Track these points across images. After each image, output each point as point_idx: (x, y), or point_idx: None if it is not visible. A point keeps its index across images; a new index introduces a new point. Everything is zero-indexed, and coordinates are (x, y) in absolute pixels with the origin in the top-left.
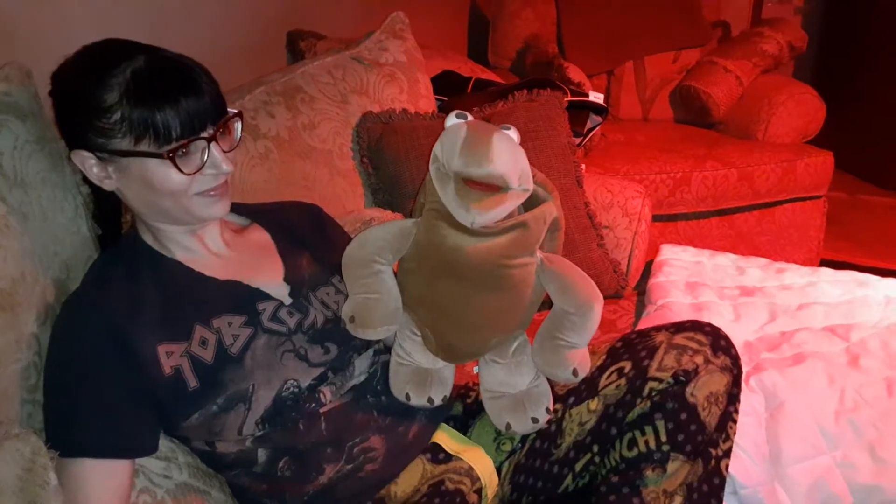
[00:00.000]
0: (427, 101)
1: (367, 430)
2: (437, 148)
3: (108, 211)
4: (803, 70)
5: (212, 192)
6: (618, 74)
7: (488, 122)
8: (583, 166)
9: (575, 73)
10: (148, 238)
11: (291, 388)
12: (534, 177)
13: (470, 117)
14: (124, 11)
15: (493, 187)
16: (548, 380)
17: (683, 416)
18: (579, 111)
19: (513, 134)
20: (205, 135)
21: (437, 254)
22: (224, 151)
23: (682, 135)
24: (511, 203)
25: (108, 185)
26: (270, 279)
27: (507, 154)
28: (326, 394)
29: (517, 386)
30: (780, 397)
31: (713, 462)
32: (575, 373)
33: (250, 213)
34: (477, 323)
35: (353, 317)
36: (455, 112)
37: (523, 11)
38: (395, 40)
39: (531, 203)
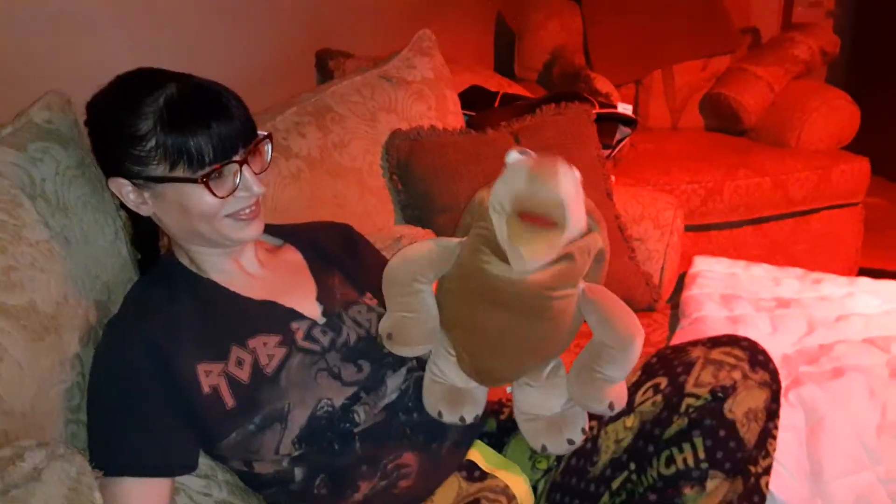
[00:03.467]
0: (455, 117)
1: (400, 447)
2: (498, 184)
3: (145, 235)
4: (836, 74)
5: (243, 215)
6: (646, 83)
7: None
8: (612, 178)
9: (602, 84)
10: (185, 260)
11: (325, 408)
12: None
13: (532, 154)
14: (159, 36)
15: (550, 222)
16: None
17: (722, 432)
18: (608, 123)
19: (577, 174)
20: (237, 158)
21: (478, 279)
22: (255, 173)
23: (712, 143)
24: (559, 246)
25: (144, 211)
26: (304, 299)
27: (571, 185)
28: (360, 413)
29: (551, 408)
30: (820, 412)
31: (753, 479)
32: (611, 406)
33: (283, 233)
34: (513, 350)
35: (390, 334)
36: (516, 149)
37: (549, 23)
38: (422, 57)
39: None
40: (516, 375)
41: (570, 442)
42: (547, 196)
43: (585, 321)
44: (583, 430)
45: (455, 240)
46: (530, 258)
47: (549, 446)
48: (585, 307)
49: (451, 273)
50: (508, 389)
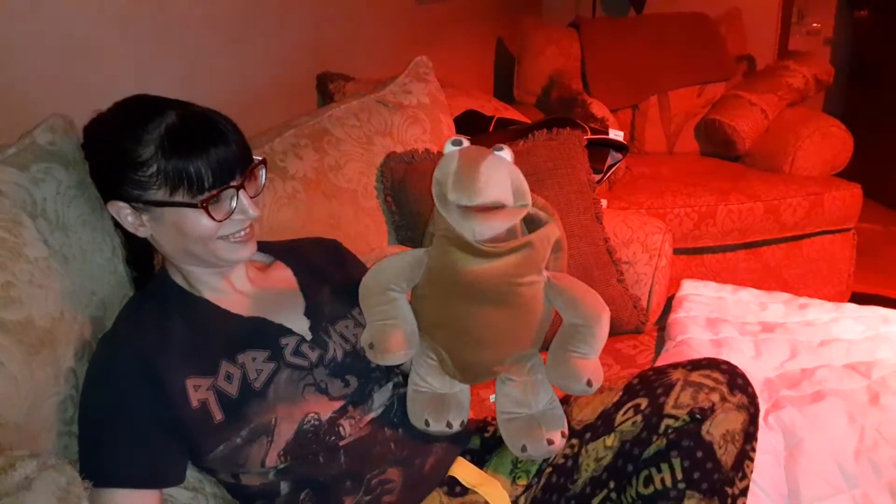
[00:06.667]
0: None
1: (384, 462)
2: (437, 173)
3: (140, 254)
4: (834, 100)
5: (236, 238)
6: (642, 108)
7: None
8: (603, 202)
9: (598, 109)
10: (178, 278)
11: (312, 422)
12: (534, 202)
13: (466, 142)
14: (163, 61)
15: (488, 207)
16: (564, 412)
17: (699, 454)
18: (599, 148)
19: (505, 154)
20: (234, 183)
21: (449, 276)
22: (251, 197)
23: (707, 168)
24: (510, 217)
25: (142, 233)
26: (292, 314)
27: (497, 179)
28: (346, 427)
29: (531, 405)
30: (799, 435)
31: (730, 501)
32: (589, 383)
33: (273, 250)
34: (490, 339)
35: (371, 343)
36: (451, 139)
37: (548, 48)
38: (418, 83)
39: (535, 226)
40: (496, 369)
41: (550, 442)
42: (474, 202)
43: (554, 307)
44: (562, 434)
45: (423, 250)
46: (482, 223)
47: (528, 446)
48: (552, 293)
49: (422, 280)
50: (492, 398)
